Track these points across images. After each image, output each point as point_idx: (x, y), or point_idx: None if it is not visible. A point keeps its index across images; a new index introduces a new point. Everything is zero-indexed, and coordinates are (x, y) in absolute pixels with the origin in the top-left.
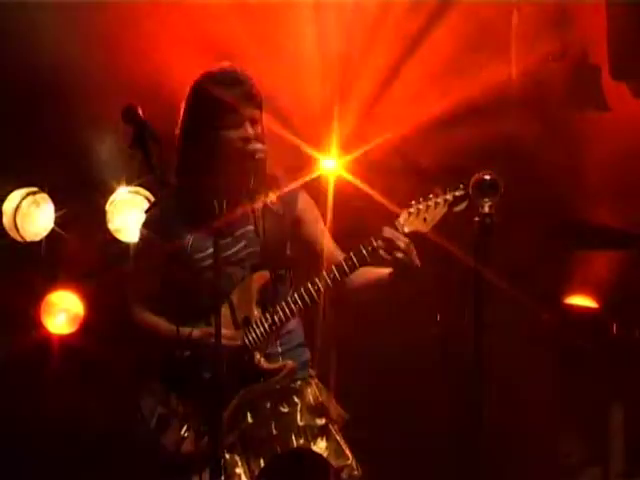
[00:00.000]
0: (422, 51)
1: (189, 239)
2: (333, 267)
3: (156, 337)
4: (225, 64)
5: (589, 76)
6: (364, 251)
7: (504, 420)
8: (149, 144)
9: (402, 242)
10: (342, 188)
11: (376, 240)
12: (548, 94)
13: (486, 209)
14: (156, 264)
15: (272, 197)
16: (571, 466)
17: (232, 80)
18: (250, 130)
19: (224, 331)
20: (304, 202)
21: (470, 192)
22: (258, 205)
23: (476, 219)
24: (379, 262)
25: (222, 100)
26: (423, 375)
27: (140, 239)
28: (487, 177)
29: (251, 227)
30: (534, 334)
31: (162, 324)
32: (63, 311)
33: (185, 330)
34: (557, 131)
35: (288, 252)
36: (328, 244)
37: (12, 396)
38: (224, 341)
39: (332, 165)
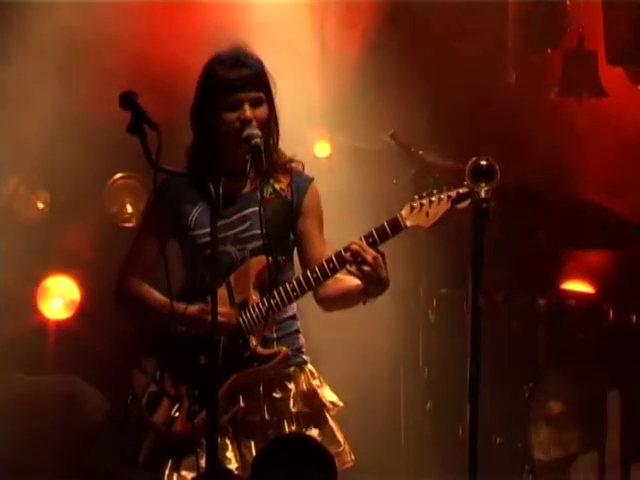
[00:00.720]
0: (418, 38)
1: (194, 214)
2: (300, 276)
3: (149, 308)
4: (236, 46)
5: (585, 62)
6: (329, 264)
7: (498, 406)
8: (146, 130)
9: (369, 255)
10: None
11: (345, 251)
12: (544, 81)
13: (482, 194)
14: (159, 232)
15: (283, 182)
16: (568, 453)
17: (235, 61)
18: (249, 112)
19: (221, 308)
20: (312, 196)
21: (466, 180)
22: (267, 187)
23: (472, 204)
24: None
25: (222, 80)
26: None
27: (148, 204)
28: (483, 162)
29: (256, 209)
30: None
31: (156, 296)
32: (59, 296)
33: (180, 305)
34: (554, 118)
35: (291, 238)
36: (318, 248)
37: (8, 382)
38: (220, 318)
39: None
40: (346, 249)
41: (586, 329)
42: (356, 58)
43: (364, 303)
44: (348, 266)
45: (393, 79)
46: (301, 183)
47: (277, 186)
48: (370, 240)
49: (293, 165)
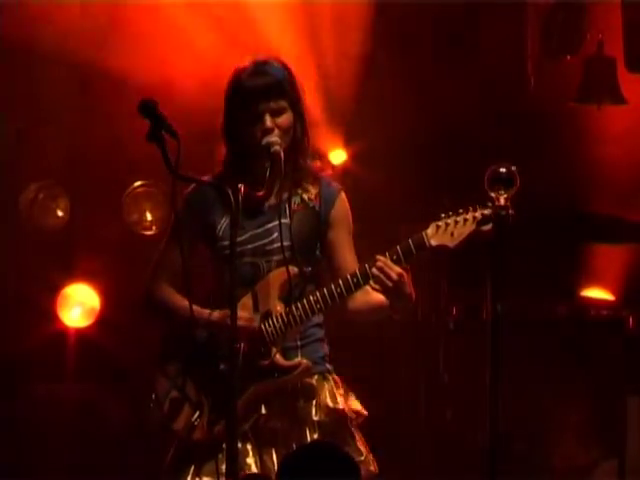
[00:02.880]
0: (433, 43)
1: (222, 224)
2: (324, 289)
3: (174, 313)
4: (262, 56)
5: (605, 69)
6: (353, 279)
7: (518, 412)
8: (165, 138)
9: (394, 272)
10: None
11: (370, 267)
12: (563, 87)
13: (502, 202)
14: (187, 238)
15: (312, 192)
16: (587, 460)
17: (255, 72)
18: (269, 122)
19: (241, 313)
20: (341, 205)
21: (485, 185)
22: (295, 197)
23: (491, 211)
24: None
25: (242, 91)
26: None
27: (178, 209)
28: (503, 170)
29: (285, 221)
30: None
31: (182, 302)
32: (79, 304)
33: (204, 311)
34: (573, 124)
35: (317, 251)
36: (347, 258)
37: (29, 391)
38: (240, 322)
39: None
40: (371, 265)
41: (605, 336)
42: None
43: (393, 319)
44: (372, 282)
45: (403, 85)
46: (330, 193)
47: (305, 196)
48: (394, 257)
49: (322, 174)
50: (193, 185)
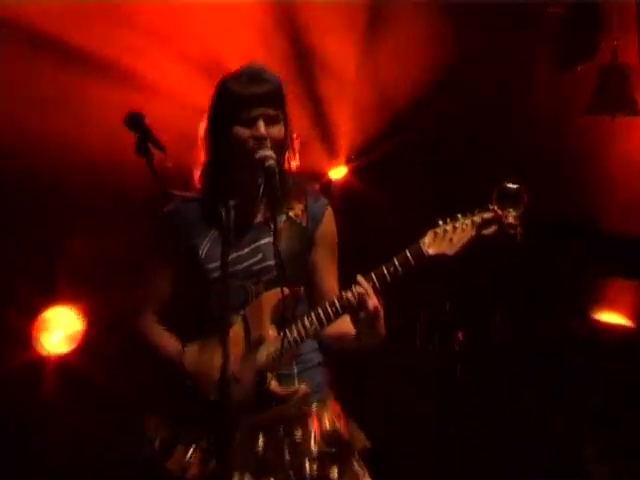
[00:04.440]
0: (444, 52)
1: (205, 245)
2: (320, 310)
3: (155, 356)
4: (255, 62)
5: (620, 77)
6: (331, 307)
7: (524, 424)
8: (152, 152)
9: (371, 303)
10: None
11: (346, 291)
12: (576, 98)
13: (510, 220)
14: (171, 264)
15: (298, 209)
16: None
17: (251, 77)
18: (263, 129)
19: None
20: (328, 223)
21: (493, 204)
22: (280, 216)
23: (499, 230)
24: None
25: (237, 96)
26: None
27: (157, 234)
28: (511, 186)
29: (270, 239)
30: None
31: (166, 341)
32: (60, 328)
33: (187, 354)
34: (585, 137)
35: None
36: (327, 283)
37: (4, 423)
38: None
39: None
40: (350, 292)
41: (622, 361)
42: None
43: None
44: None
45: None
46: (317, 208)
47: (291, 213)
48: (391, 270)
49: (308, 189)
50: (171, 203)
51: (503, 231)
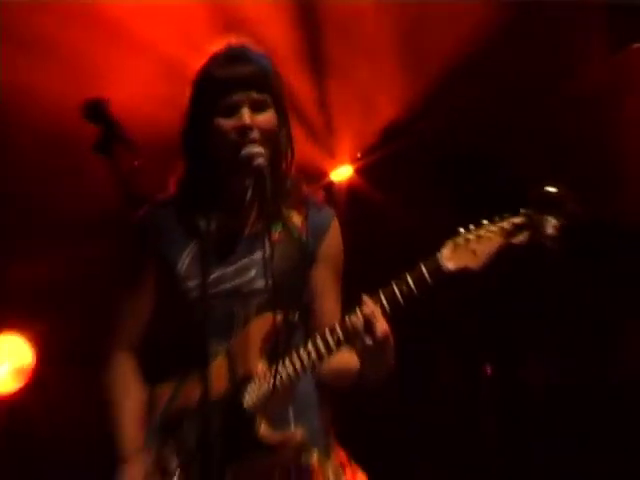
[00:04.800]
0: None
1: (184, 259)
2: (318, 340)
3: (107, 415)
4: (237, 40)
5: None
6: (332, 335)
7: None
8: (117, 148)
9: (379, 327)
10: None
11: (349, 315)
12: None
13: (549, 229)
14: (144, 282)
15: (297, 219)
16: None
17: (233, 56)
18: (247, 117)
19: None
20: (333, 237)
21: (529, 211)
22: (276, 227)
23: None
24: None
25: (215, 79)
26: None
27: (126, 246)
28: (551, 190)
29: (261, 255)
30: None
31: (127, 400)
32: (6, 361)
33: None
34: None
35: (305, 290)
36: (328, 308)
37: None
38: None
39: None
40: (355, 315)
41: None
42: None
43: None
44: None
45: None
46: (320, 220)
47: (289, 223)
48: (403, 289)
49: (310, 195)
50: (143, 210)
51: (538, 240)
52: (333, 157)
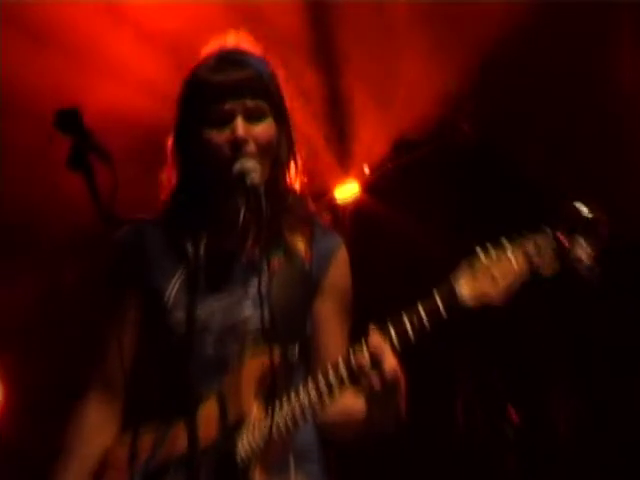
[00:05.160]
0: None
1: (172, 286)
2: (320, 382)
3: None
4: (231, 41)
5: None
6: (335, 374)
7: None
8: (92, 162)
9: (387, 364)
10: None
11: (354, 351)
12: None
13: (583, 257)
14: (128, 318)
15: (300, 244)
16: None
17: (224, 60)
18: (241, 129)
19: None
20: (341, 266)
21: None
22: (277, 253)
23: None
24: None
25: (205, 85)
26: None
27: (104, 270)
28: (584, 209)
29: (257, 285)
30: None
31: (82, 448)
32: None
33: None
34: None
35: (307, 325)
36: (335, 345)
37: None
38: None
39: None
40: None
41: None
42: None
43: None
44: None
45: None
46: (326, 246)
47: (291, 248)
48: (414, 321)
49: (316, 217)
50: (123, 230)
51: (572, 269)
52: (340, 168)
